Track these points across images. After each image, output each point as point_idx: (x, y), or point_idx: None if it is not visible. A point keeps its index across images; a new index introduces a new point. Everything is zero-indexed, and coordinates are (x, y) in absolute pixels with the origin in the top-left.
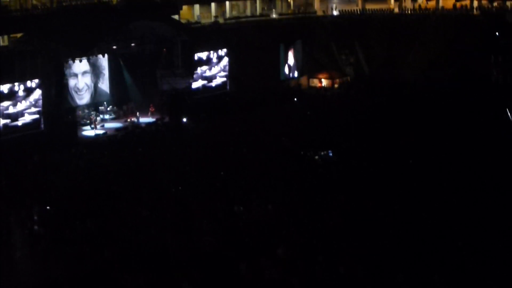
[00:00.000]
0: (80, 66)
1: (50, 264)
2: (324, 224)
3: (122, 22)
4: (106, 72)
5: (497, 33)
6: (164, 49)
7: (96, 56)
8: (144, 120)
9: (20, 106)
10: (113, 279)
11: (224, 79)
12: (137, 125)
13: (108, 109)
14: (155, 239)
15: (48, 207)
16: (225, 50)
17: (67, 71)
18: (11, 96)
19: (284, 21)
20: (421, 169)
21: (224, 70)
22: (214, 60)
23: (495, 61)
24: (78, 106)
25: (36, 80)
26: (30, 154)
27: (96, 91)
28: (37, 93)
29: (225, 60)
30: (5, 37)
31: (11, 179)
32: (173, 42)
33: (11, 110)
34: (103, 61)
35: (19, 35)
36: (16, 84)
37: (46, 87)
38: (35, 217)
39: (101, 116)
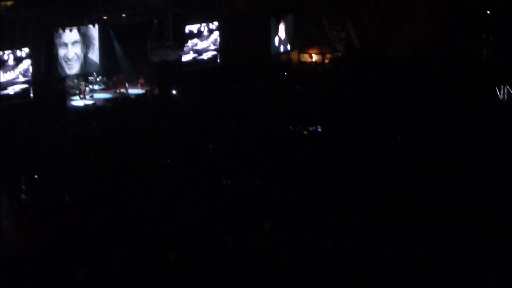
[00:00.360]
0: (70, 35)
1: (37, 233)
2: (311, 200)
3: None
4: (96, 42)
5: (488, 12)
6: (155, 21)
7: (87, 26)
8: (133, 91)
9: (10, 75)
10: (99, 249)
11: (215, 52)
12: (127, 96)
13: (98, 79)
14: (142, 210)
15: (35, 177)
16: (216, 23)
17: (57, 41)
18: (1, 65)
19: None
20: (409, 146)
21: (215, 44)
22: (205, 33)
23: (486, 40)
24: (67, 76)
25: (26, 50)
26: (19, 123)
27: (86, 61)
28: (27, 63)
29: (216, 34)
30: None
31: None
32: (164, 13)
33: (2, 79)
34: (94, 31)
35: (9, 2)
36: (6, 53)
37: (35, 56)
38: (23, 186)
39: (91, 86)
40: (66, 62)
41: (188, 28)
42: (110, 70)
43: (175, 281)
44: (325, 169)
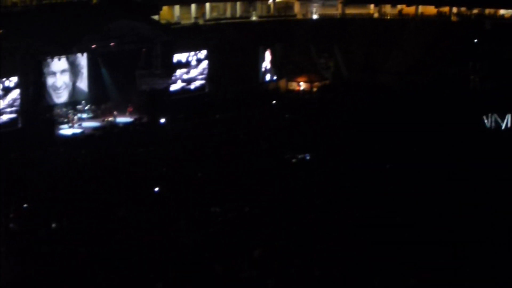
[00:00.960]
0: (59, 64)
1: (26, 262)
2: (300, 227)
3: (101, 21)
4: (84, 71)
5: (475, 40)
6: (144, 49)
7: (75, 54)
8: (122, 119)
9: None
10: (88, 278)
11: (203, 82)
12: (115, 124)
13: (86, 108)
14: (131, 238)
15: (24, 205)
16: (204, 52)
17: (45, 69)
18: None
19: (264, 24)
20: (398, 173)
21: (203, 73)
22: (194, 62)
23: (473, 67)
24: (56, 105)
25: (15, 80)
26: (7, 151)
27: (74, 90)
28: (15, 93)
29: (204, 63)
30: None
31: None
32: (152, 42)
33: None
34: (82, 59)
35: None
36: None
37: (24, 85)
38: (11, 215)
39: (79, 115)
40: (54, 90)
41: (176, 57)
42: (99, 98)
43: None
44: (313, 197)
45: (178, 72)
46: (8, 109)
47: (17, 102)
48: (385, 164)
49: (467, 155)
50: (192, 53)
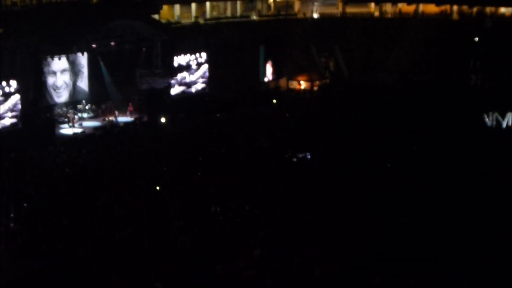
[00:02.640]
0: (59, 63)
1: (26, 261)
2: (301, 226)
3: (101, 21)
4: (85, 70)
5: (476, 39)
6: (144, 48)
7: (75, 54)
8: (122, 119)
9: None
10: (88, 277)
11: (204, 85)
12: (115, 124)
13: (87, 107)
14: (131, 237)
15: (24, 205)
16: (204, 56)
17: (45, 69)
18: None
19: (264, 23)
20: (398, 171)
21: (203, 77)
22: (194, 66)
23: (473, 66)
24: (56, 104)
25: (15, 84)
26: (7, 151)
27: (74, 89)
28: (15, 98)
29: (205, 67)
30: None
31: None
32: (152, 41)
33: None
34: (82, 59)
35: None
36: None
37: (24, 85)
38: (12, 215)
39: (79, 114)
40: (55, 90)
41: (177, 61)
42: (99, 97)
43: None
44: (314, 196)
45: (179, 76)
46: (9, 114)
47: (18, 107)
48: (385, 163)
49: (468, 154)
50: (193, 56)
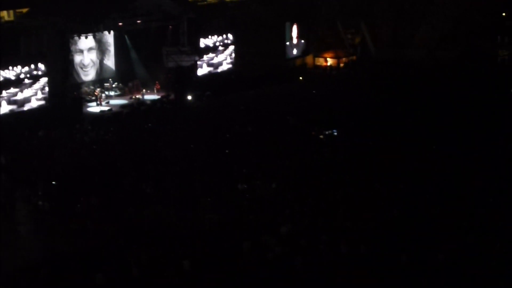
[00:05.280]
0: (86, 42)
1: (55, 239)
2: (328, 203)
3: None
4: (111, 48)
5: (503, 14)
6: (170, 27)
7: (102, 32)
8: (149, 97)
9: (27, 92)
10: (116, 254)
11: (230, 66)
12: (142, 102)
13: (114, 85)
14: (159, 215)
15: (53, 183)
16: (231, 37)
17: (72, 47)
18: (18, 83)
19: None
20: (425, 149)
21: (230, 57)
22: (220, 48)
23: (501, 41)
24: (83, 83)
25: (43, 67)
26: (35, 129)
27: (101, 68)
28: (43, 80)
29: (231, 48)
30: (11, 12)
31: (17, 154)
32: (179, 19)
33: (18, 96)
34: (109, 37)
35: (24, 10)
36: (23, 71)
37: (52, 67)
38: (40, 193)
39: (106, 92)
40: (82, 68)
41: (203, 42)
42: (126, 76)
43: (191, 286)
44: (341, 173)
45: (205, 57)
46: (37, 96)
47: (45, 90)
48: (413, 140)
49: (498, 132)
50: (220, 38)
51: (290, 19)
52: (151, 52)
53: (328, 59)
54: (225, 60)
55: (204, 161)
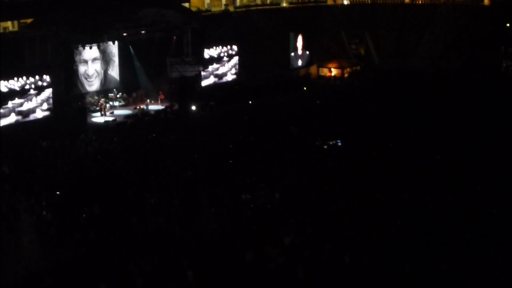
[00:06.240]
0: (90, 52)
1: (58, 249)
2: (331, 213)
3: (132, 9)
4: (116, 59)
5: (507, 24)
6: (174, 37)
7: (106, 42)
8: (153, 107)
9: (32, 103)
10: (119, 265)
11: (235, 76)
12: (147, 112)
13: (118, 96)
14: (162, 226)
15: (57, 193)
16: (235, 48)
17: (77, 58)
18: (23, 93)
19: (295, 10)
20: (429, 159)
21: (234, 68)
22: (225, 58)
23: (505, 52)
24: (87, 93)
25: (48, 79)
26: (39, 139)
27: (106, 78)
28: (48, 91)
29: (235, 59)
30: (15, 22)
31: (20, 165)
32: (183, 29)
33: (24, 107)
34: (113, 48)
35: (29, 20)
36: (28, 82)
37: (56, 77)
38: (44, 203)
39: (111, 102)
40: (86, 78)
41: (208, 53)
42: (130, 86)
43: None
44: (344, 183)
45: (210, 68)
46: (42, 107)
47: (50, 101)
48: (415, 150)
49: (501, 141)
50: (224, 49)
51: (295, 29)
52: (155, 63)
53: (332, 69)
54: (229, 70)
55: (207, 171)
